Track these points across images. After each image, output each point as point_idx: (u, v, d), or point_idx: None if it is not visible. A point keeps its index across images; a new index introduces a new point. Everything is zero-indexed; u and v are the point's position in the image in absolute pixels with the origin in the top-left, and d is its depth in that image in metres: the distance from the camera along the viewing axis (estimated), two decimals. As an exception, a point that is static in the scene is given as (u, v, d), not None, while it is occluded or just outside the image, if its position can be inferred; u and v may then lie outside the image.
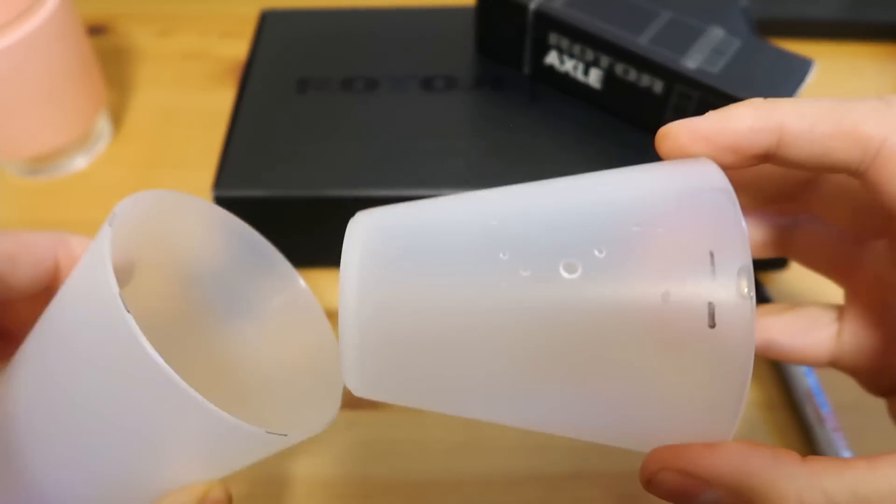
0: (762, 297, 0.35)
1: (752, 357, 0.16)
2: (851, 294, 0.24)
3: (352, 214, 0.20)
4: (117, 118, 0.46)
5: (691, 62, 0.34)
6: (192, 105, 0.47)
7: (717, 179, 0.18)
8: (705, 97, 0.34)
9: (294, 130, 0.37)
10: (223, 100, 0.45)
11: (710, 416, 0.17)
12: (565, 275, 0.17)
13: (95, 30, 0.51)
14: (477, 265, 0.18)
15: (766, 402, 0.33)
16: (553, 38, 0.37)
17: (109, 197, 0.23)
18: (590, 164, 0.34)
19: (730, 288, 0.16)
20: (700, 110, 0.34)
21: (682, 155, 0.20)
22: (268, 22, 0.44)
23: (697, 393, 0.17)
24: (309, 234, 0.33)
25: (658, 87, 0.35)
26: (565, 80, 0.38)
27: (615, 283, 0.17)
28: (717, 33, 0.35)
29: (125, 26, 0.52)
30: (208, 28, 0.52)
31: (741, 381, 0.16)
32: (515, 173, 0.35)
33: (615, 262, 0.17)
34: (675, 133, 0.20)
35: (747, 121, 0.19)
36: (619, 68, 0.35)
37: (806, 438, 0.31)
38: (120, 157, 0.44)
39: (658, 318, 0.17)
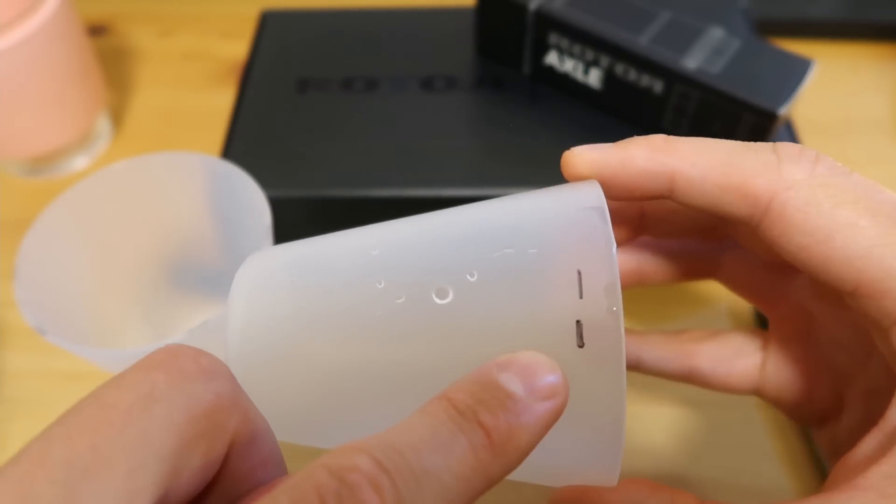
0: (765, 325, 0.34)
1: (624, 370, 0.16)
2: (776, 323, 0.24)
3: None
4: (117, 118, 0.46)
5: (691, 62, 0.34)
6: (192, 105, 0.47)
7: (593, 198, 0.18)
8: (705, 97, 0.34)
9: (294, 130, 0.37)
10: (223, 100, 0.45)
11: (595, 433, 0.17)
12: (437, 300, 0.17)
13: (95, 30, 0.51)
14: (356, 296, 0.18)
15: (778, 429, 0.32)
16: (553, 38, 0.37)
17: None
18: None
19: (597, 305, 0.16)
20: (700, 110, 0.35)
21: (579, 180, 0.20)
22: (268, 22, 0.44)
23: (577, 413, 0.17)
24: (309, 235, 0.33)
25: (658, 87, 0.35)
26: (565, 80, 0.38)
27: (486, 306, 0.17)
28: (717, 33, 0.35)
29: (125, 26, 0.52)
30: (208, 28, 0.52)
31: (617, 392, 0.16)
32: (515, 173, 0.35)
33: (486, 284, 0.17)
34: (574, 160, 0.20)
35: (640, 161, 0.19)
36: (619, 68, 0.35)
37: (818, 465, 0.30)
38: (120, 157, 0.43)
39: (528, 337, 0.17)
